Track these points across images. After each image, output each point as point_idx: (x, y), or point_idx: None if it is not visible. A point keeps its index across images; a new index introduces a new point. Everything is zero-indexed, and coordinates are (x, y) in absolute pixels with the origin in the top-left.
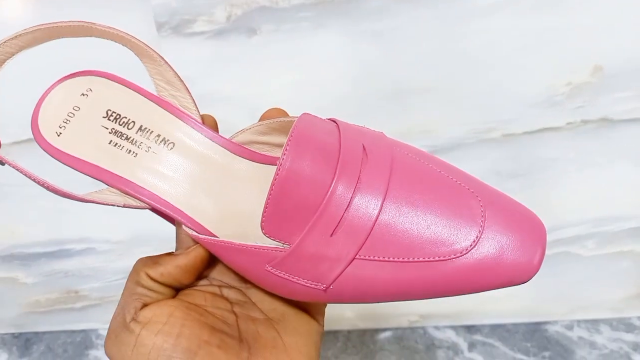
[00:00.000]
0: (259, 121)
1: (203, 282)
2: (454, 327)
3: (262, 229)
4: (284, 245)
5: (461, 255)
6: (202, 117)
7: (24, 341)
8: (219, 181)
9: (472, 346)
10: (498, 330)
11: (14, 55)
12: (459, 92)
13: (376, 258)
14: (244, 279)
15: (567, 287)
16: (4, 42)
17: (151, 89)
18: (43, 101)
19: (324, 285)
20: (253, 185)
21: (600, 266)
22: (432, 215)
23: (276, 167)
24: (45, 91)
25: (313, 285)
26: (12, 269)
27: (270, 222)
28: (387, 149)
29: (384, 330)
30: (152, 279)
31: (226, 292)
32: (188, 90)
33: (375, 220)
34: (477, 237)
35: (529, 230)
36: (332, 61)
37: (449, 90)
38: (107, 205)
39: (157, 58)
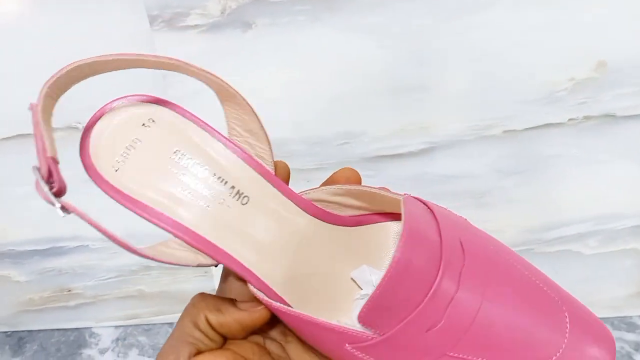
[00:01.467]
0: (331, 179)
1: None
2: None
3: (359, 318)
4: (375, 334)
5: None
6: (275, 164)
7: (17, 340)
8: (290, 242)
9: None
10: None
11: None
12: (459, 87)
13: (465, 357)
14: (285, 333)
15: (569, 285)
16: (102, 60)
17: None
18: (94, 127)
19: None
20: (321, 247)
21: (602, 264)
22: (523, 322)
23: (390, 261)
24: (96, 114)
25: None
26: (4, 267)
27: (370, 313)
28: (480, 245)
29: None
30: (210, 325)
31: (269, 344)
32: (269, 142)
33: (472, 322)
34: (563, 347)
35: (603, 341)
36: (329, 56)
37: (449, 86)
38: (180, 265)
39: (245, 106)
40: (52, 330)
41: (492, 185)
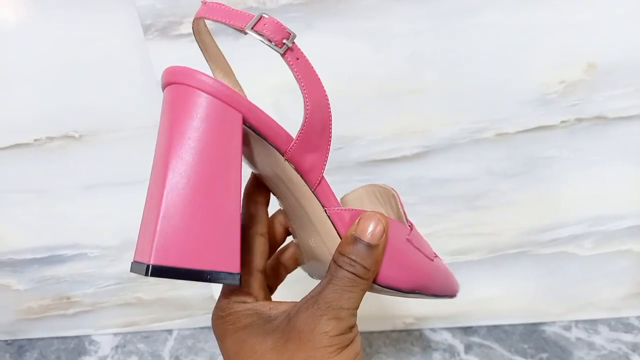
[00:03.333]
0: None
1: None
2: (450, 329)
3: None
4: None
5: (436, 257)
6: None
7: (17, 348)
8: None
9: (468, 348)
10: (495, 331)
11: None
12: (451, 91)
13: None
14: None
15: (565, 287)
16: None
17: None
18: None
19: (432, 257)
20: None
21: (598, 266)
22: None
23: None
24: None
25: (427, 256)
26: (4, 275)
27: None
28: None
29: (380, 333)
30: None
31: None
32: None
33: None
34: (436, 256)
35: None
36: (323, 61)
37: (441, 89)
38: None
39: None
40: (52, 338)
41: (486, 188)
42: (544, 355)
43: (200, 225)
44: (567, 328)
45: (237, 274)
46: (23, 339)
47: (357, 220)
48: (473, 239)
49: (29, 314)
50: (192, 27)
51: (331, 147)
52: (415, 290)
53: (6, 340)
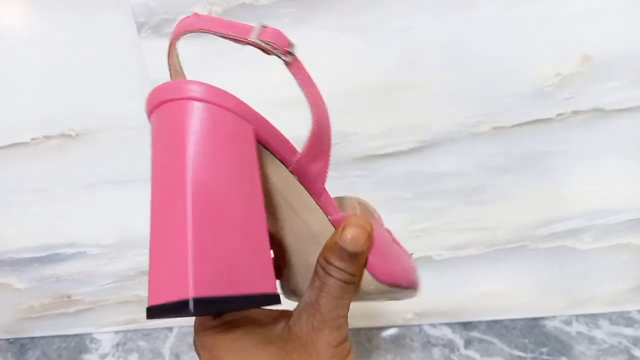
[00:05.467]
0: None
1: None
2: (450, 324)
3: None
4: None
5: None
6: None
7: (19, 347)
8: None
9: (468, 343)
10: (495, 326)
11: None
12: (447, 85)
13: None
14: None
15: (565, 281)
16: None
17: None
18: None
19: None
20: None
21: (598, 260)
22: None
23: None
24: None
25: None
26: (4, 274)
27: None
28: None
29: (379, 328)
30: None
31: None
32: None
33: None
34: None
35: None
36: (317, 57)
37: (437, 84)
38: None
39: None
40: (53, 336)
41: (483, 183)
42: (545, 350)
43: (234, 249)
44: (568, 322)
45: (276, 295)
46: (25, 338)
47: (340, 227)
48: (471, 233)
49: (31, 312)
50: (172, 41)
51: None
52: (410, 287)
53: (8, 339)
